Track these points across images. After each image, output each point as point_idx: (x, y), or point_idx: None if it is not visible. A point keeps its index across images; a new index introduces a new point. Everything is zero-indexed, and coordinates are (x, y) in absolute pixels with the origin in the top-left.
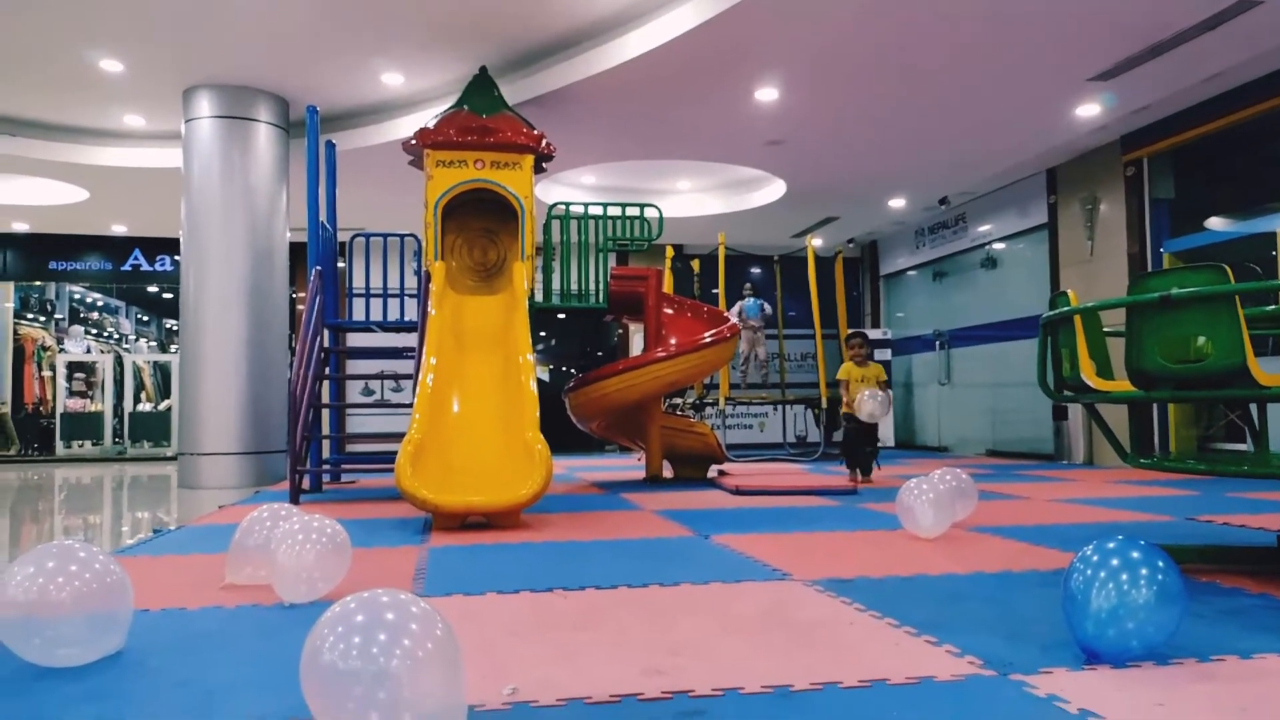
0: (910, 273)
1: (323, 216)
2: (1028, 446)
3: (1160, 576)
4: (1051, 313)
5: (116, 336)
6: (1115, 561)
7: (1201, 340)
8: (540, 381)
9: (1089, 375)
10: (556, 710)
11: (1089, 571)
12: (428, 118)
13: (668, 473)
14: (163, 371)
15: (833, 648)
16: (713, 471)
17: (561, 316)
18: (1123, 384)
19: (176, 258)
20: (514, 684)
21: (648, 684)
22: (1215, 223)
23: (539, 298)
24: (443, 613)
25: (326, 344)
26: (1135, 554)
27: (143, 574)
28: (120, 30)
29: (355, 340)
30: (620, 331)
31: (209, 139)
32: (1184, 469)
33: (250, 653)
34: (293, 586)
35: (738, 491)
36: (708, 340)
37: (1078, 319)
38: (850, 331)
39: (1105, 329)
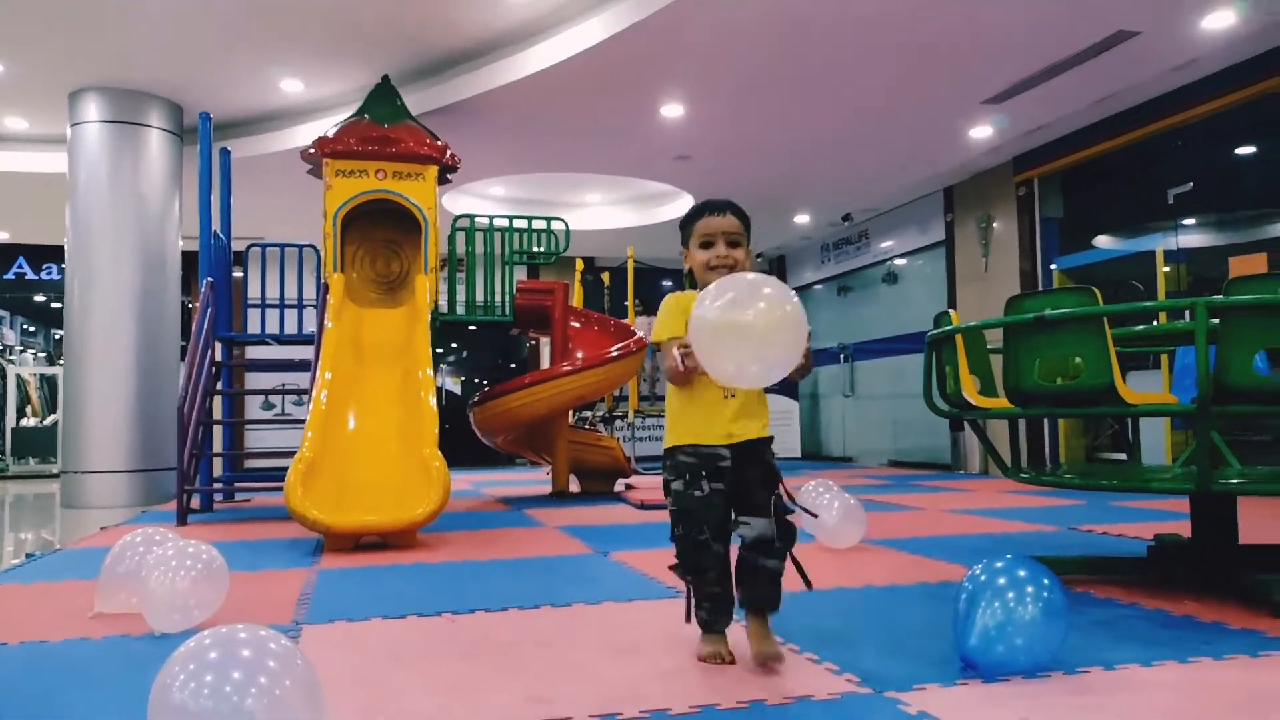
0: (816, 287)
1: (216, 226)
2: (927, 456)
3: (1046, 594)
4: (935, 331)
5: (1, 348)
6: (1003, 580)
7: (1079, 359)
8: (450, 394)
9: (970, 393)
10: None
11: (976, 591)
12: (328, 126)
13: (575, 487)
14: (50, 384)
15: (716, 670)
16: (620, 485)
17: (473, 329)
18: (1003, 401)
19: (64, 265)
20: (385, 718)
21: (528, 713)
22: (1103, 241)
23: (445, 309)
24: (320, 641)
25: (219, 358)
26: (1022, 572)
27: (7, 604)
28: (1, 30)
29: (255, 353)
30: (531, 343)
31: (96, 144)
32: (1059, 483)
33: (111, 689)
34: (165, 616)
35: (642, 506)
36: (614, 354)
37: (959, 338)
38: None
39: (989, 346)
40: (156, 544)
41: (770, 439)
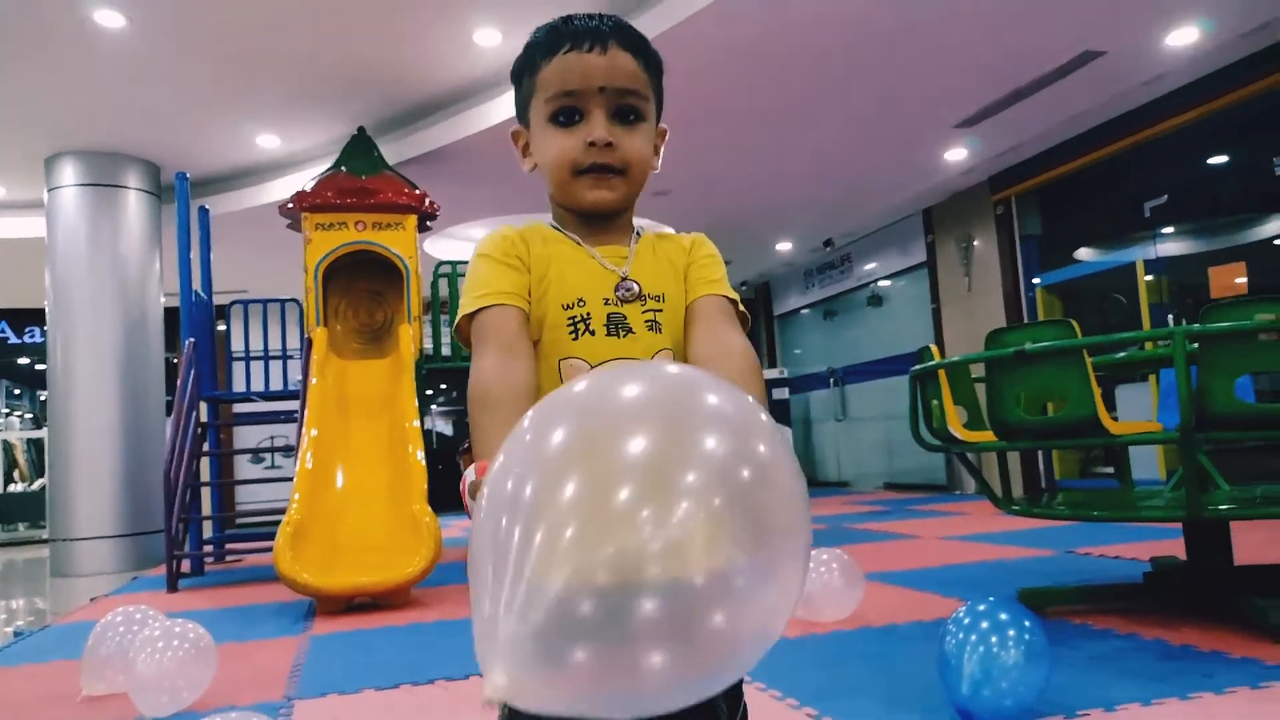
0: (803, 312)
1: (197, 285)
2: (923, 477)
3: (1027, 637)
4: (917, 367)
5: None
6: (985, 624)
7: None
8: (442, 436)
9: (955, 426)
10: None
11: (960, 635)
12: (306, 179)
13: None
14: (37, 447)
15: None
16: None
17: (463, 369)
18: (988, 434)
19: (46, 328)
20: None
21: None
22: (1083, 254)
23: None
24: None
25: (204, 418)
26: (1004, 616)
27: None
28: None
29: (242, 406)
30: None
31: (74, 208)
32: (1051, 515)
33: None
34: (154, 699)
35: None
36: None
37: (942, 372)
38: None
39: (974, 377)
40: (138, 623)
41: None
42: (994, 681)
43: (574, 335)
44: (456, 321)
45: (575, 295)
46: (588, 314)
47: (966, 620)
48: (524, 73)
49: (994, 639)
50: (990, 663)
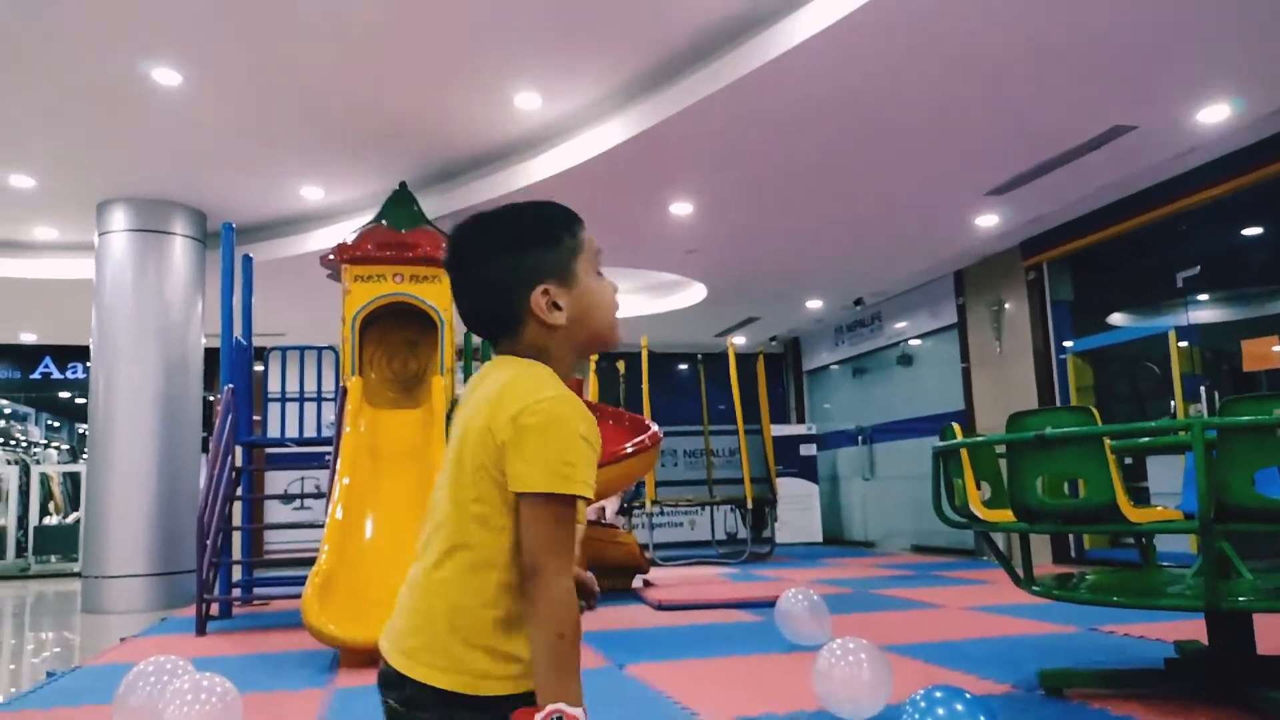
0: (832, 368)
1: (237, 332)
2: (950, 542)
3: None
4: (940, 445)
5: (25, 444)
6: (941, 711)
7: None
8: None
9: (976, 505)
10: None
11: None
12: (347, 230)
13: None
14: (73, 480)
15: None
16: (637, 582)
17: None
18: (1008, 514)
19: (89, 364)
20: None
21: None
22: (1115, 320)
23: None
24: None
25: (239, 462)
26: (959, 707)
27: None
28: (33, 148)
29: (275, 449)
30: None
31: (123, 252)
32: (1070, 599)
33: None
34: None
35: (660, 607)
36: (629, 451)
37: (964, 451)
38: None
39: (999, 452)
40: (168, 674)
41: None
42: None
43: None
44: (563, 488)
45: None
46: None
47: (923, 704)
48: (564, 231)
49: None
50: None
